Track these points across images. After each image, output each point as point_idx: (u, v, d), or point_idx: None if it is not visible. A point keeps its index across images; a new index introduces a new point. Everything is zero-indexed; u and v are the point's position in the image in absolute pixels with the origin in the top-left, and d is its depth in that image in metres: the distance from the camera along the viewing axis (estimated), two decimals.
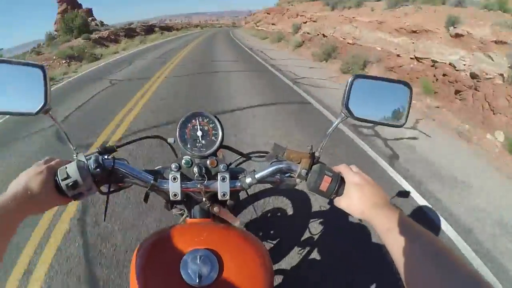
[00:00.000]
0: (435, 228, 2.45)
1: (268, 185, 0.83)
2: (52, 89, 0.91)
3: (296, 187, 0.80)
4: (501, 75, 4.95)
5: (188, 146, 0.80)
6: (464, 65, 5.91)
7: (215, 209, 0.83)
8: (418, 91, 6.70)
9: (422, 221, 2.44)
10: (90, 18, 42.45)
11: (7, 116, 4.51)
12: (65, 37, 21.75)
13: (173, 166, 0.76)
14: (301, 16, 17.59)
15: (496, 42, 5.81)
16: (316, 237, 2.26)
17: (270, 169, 0.76)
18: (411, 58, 8.02)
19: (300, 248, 2.13)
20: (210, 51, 14.91)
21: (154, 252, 0.73)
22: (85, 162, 0.69)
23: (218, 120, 0.82)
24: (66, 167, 0.65)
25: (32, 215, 0.59)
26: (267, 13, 28.84)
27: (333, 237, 2.28)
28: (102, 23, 43.71)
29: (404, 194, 2.84)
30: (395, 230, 0.54)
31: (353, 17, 10.99)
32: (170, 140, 0.83)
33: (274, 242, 2.12)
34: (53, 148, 3.87)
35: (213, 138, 0.81)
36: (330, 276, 2.00)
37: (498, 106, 4.61)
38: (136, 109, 5.23)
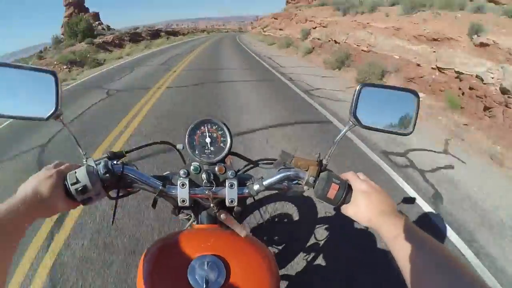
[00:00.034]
0: (441, 235, 2.40)
1: (275, 191, 0.81)
2: None
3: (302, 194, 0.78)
4: None
5: (197, 152, 0.81)
6: (492, 78, 5.35)
7: (222, 216, 0.79)
8: (443, 106, 6.15)
9: (426, 227, 2.44)
10: (97, 22, 42.59)
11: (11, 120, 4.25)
12: (70, 41, 21.45)
13: (181, 172, 0.77)
14: (310, 21, 17.05)
15: None
16: (321, 243, 2.24)
17: (278, 176, 0.76)
18: (432, 68, 7.45)
19: (305, 254, 2.11)
20: (217, 57, 14.33)
21: (161, 257, 0.73)
22: (95, 167, 0.69)
23: (227, 127, 0.83)
24: (75, 172, 0.66)
25: (40, 218, 0.60)
26: (275, 18, 28.37)
27: (339, 243, 2.26)
28: (108, 27, 43.78)
29: (410, 200, 2.80)
30: (402, 237, 0.55)
31: (367, 23, 10.41)
32: (179, 146, 0.86)
33: (280, 247, 2.12)
34: None
35: (221, 145, 0.82)
36: (335, 282, 1.99)
37: None
38: (129, 131, 4.51)
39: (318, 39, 13.02)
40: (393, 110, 0.73)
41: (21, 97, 0.68)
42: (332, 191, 0.68)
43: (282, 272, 1.86)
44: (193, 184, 0.76)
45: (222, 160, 0.80)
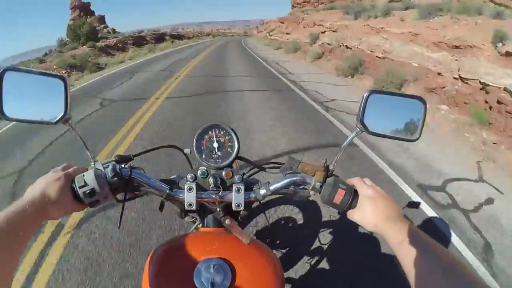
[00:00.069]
0: (445, 240, 2.36)
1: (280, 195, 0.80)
2: None
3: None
4: None
5: (204, 157, 0.81)
6: None
7: (227, 222, 0.79)
8: (469, 121, 5.55)
9: (431, 231, 2.24)
10: (102, 25, 42.58)
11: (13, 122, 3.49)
12: (73, 45, 21.11)
13: (189, 176, 0.77)
14: (318, 25, 16.47)
15: None
16: (325, 247, 2.21)
17: (285, 181, 0.76)
18: (454, 78, 6.83)
19: (309, 257, 2.08)
20: (222, 62, 13.75)
21: (167, 259, 0.73)
22: (103, 170, 0.69)
23: (235, 132, 0.84)
24: (83, 175, 0.66)
25: (48, 220, 0.61)
26: (281, 22, 27.87)
27: (343, 247, 2.22)
28: (114, 30, 43.71)
29: (415, 205, 2.76)
30: (407, 242, 0.54)
31: (381, 28, 9.79)
32: (187, 150, 0.87)
33: (284, 250, 2.09)
34: None
35: (229, 149, 0.82)
36: (339, 286, 1.96)
37: None
38: (120, 151, 3.93)
39: (328, 44, 12.44)
40: (400, 117, 0.73)
41: (30, 101, 0.69)
42: (339, 197, 0.68)
43: (286, 275, 1.75)
44: (200, 188, 0.77)
45: (229, 165, 0.81)
